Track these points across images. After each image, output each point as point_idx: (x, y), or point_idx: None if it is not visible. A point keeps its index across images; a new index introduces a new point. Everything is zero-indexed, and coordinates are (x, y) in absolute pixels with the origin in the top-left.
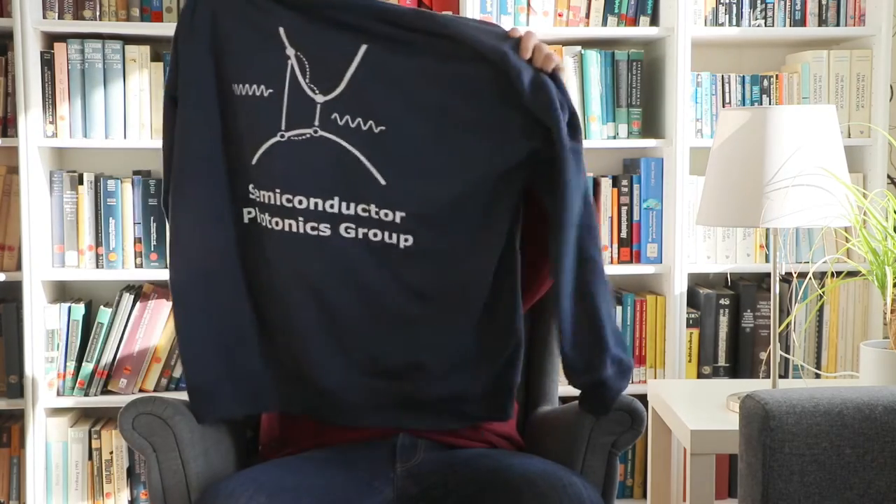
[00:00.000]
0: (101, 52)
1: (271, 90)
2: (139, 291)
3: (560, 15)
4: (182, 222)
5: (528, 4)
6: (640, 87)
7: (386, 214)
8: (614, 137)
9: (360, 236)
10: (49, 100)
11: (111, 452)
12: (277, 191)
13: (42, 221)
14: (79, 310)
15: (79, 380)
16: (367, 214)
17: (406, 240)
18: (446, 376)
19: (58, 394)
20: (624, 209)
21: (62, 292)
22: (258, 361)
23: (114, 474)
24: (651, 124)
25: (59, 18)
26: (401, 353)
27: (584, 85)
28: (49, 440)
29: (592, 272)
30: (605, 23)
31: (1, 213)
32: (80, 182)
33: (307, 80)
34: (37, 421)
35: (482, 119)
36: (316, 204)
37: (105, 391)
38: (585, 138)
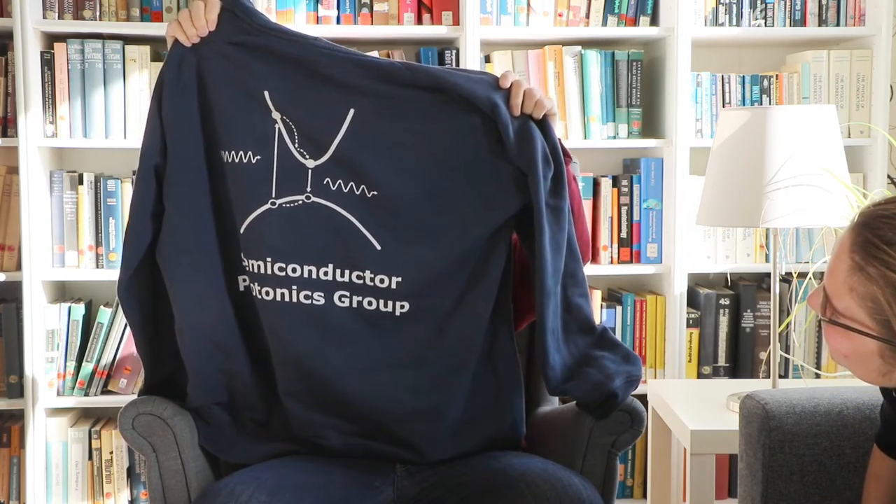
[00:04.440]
0: (101, 52)
1: (259, 156)
2: None
3: (560, 15)
4: (185, 296)
5: (528, 4)
6: (640, 87)
7: (382, 280)
8: (614, 137)
9: (355, 305)
10: (49, 100)
11: (111, 452)
12: (269, 260)
13: (42, 221)
14: (79, 310)
15: (79, 380)
16: (361, 281)
17: (402, 306)
18: (448, 439)
19: (58, 394)
20: (624, 209)
21: (62, 292)
22: (262, 427)
23: (114, 474)
24: (651, 124)
25: (59, 18)
26: (401, 420)
27: (584, 85)
28: (49, 440)
29: (577, 319)
30: (605, 23)
31: (1, 213)
32: (80, 182)
33: (296, 145)
34: (37, 421)
35: (475, 173)
36: (310, 272)
37: (105, 391)
38: (585, 138)
